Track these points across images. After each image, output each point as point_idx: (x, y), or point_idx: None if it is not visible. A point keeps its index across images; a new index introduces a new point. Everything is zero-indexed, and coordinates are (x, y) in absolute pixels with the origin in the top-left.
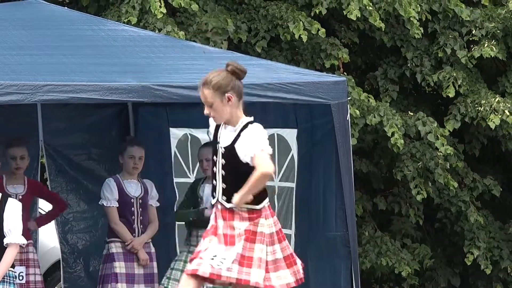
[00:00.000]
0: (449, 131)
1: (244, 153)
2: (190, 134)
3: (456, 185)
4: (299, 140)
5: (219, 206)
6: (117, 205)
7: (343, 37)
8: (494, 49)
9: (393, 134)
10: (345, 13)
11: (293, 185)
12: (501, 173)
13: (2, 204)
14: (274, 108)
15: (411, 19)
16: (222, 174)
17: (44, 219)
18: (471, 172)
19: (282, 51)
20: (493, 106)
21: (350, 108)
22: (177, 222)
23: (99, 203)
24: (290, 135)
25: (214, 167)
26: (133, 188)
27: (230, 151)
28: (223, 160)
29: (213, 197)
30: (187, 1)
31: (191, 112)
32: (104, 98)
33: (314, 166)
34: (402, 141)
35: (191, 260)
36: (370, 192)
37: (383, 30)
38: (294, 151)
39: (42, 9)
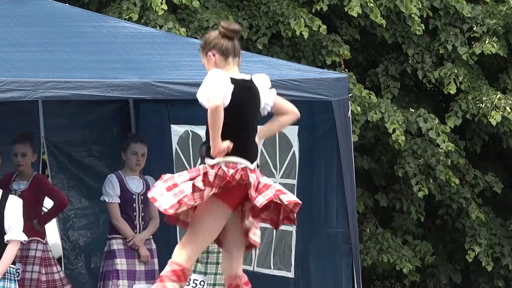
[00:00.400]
0: (450, 127)
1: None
2: (191, 131)
3: (457, 182)
4: (300, 137)
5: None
6: (119, 201)
7: (344, 34)
8: (495, 46)
9: (394, 130)
10: (346, 10)
11: (294, 182)
12: (502, 170)
13: (3, 201)
14: None
15: (412, 15)
16: None
17: (46, 218)
18: (472, 169)
19: (283, 47)
20: (494, 103)
21: (351, 105)
22: None
23: (101, 199)
24: (291, 132)
25: None
26: (135, 185)
27: None
28: None
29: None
30: None
31: (192, 109)
32: (105, 95)
33: (315, 163)
34: (404, 138)
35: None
36: (372, 189)
37: (384, 26)
38: (295, 148)
39: (43, 6)
